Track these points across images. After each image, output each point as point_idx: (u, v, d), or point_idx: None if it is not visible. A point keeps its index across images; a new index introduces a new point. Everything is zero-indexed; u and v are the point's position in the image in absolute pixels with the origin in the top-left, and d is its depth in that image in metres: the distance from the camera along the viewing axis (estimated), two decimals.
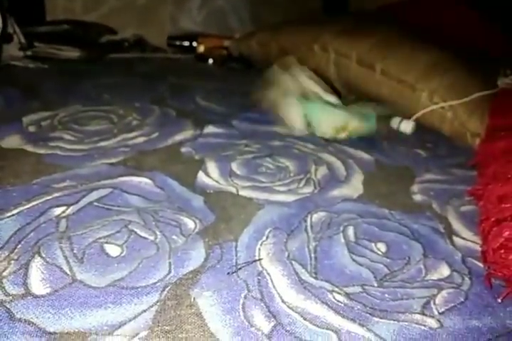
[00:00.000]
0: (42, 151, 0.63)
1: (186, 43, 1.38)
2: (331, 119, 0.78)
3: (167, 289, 0.39)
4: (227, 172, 0.62)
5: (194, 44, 1.37)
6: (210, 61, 1.30)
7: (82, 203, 0.51)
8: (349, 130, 0.77)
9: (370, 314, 0.38)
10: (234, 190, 0.57)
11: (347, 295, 0.40)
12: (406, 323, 0.38)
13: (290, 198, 0.57)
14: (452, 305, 0.41)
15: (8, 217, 0.46)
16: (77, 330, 0.34)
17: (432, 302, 0.41)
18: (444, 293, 0.42)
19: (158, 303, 0.37)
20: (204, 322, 0.36)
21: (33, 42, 1.16)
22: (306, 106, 0.78)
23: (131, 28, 1.37)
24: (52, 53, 1.19)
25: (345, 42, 0.98)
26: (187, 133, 0.73)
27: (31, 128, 0.71)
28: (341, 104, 0.82)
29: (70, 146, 0.66)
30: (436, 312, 0.39)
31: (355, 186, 0.61)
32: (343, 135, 0.76)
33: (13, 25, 1.11)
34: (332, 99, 0.82)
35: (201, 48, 1.35)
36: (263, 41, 1.17)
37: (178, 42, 1.39)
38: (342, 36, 0.99)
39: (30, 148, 0.64)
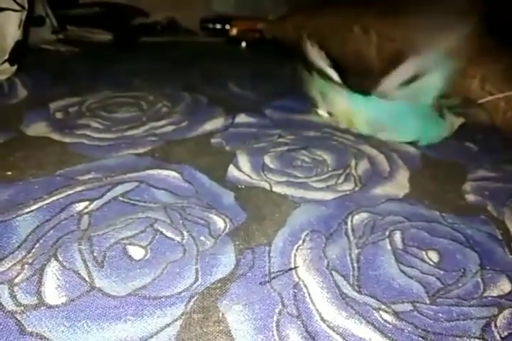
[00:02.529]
0: (68, 140, 0.60)
1: (219, 26, 1.34)
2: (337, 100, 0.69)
3: (193, 300, 0.35)
4: (260, 165, 0.57)
5: (227, 27, 1.32)
6: (243, 44, 1.26)
7: (106, 198, 0.47)
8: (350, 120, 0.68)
9: (422, 337, 0.34)
10: (267, 186, 0.53)
11: (396, 314, 0.36)
12: None
13: (328, 196, 0.52)
14: None
15: (27, 213, 0.43)
16: None
17: (492, 325, 0.35)
18: (506, 313, 0.37)
19: (183, 316, 0.34)
20: None
21: (65, 25, 1.14)
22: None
23: (164, 10, 1.33)
24: (84, 36, 1.17)
25: (389, 23, 0.91)
26: (218, 123, 0.69)
27: (58, 115, 0.69)
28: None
29: (96, 135, 0.63)
30: (498, 337, 0.34)
31: (400, 184, 0.56)
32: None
33: (45, 8, 1.08)
34: (335, 75, 0.71)
35: (234, 31, 1.30)
36: (298, 23, 1.11)
37: (210, 25, 1.35)
38: (385, 17, 0.92)
39: (55, 137, 0.61)
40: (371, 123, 0.67)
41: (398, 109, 0.66)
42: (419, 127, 0.67)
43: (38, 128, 0.63)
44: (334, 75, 0.71)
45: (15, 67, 0.82)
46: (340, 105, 0.69)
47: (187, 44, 1.25)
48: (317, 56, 0.76)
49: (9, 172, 0.51)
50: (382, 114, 0.67)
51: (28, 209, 0.44)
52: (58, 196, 0.47)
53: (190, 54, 1.13)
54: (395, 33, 0.89)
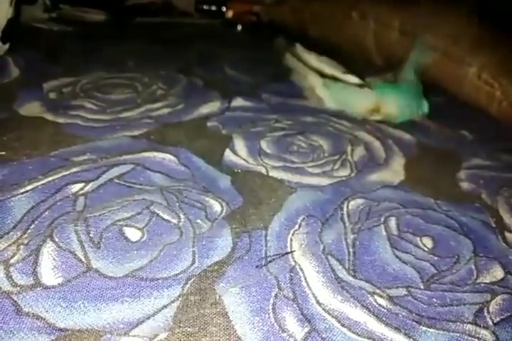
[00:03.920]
0: (62, 120, 0.59)
1: (214, 8, 1.32)
2: (361, 100, 0.70)
3: (190, 282, 0.36)
4: (257, 150, 0.57)
5: (223, 9, 1.30)
6: (239, 27, 1.24)
7: (102, 180, 0.47)
8: (383, 113, 0.69)
9: (416, 322, 0.34)
10: (263, 170, 0.53)
11: (390, 298, 0.36)
12: (457, 334, 0.33)
13: (324, 181, 0.52)
14: (509, 314, 0.36)
15: (22, 193, 0.43)
16: (90, 327, 0.31)
17: (485, 310, 0.36)
18: (498, 299, 0.37)
19: (180, 298, 0.34)
20: (230, 323, 0.32)
21: (58, 4, 1.12)
22: (333, 88, 0.72)
23: None
24: (78, 16, 1.15)
25: (387, 9, 0.90)
26: (214, 106, 0.68)
27: (52, 95, 0.68)
28: (367, 84, 0.72)
29: (91, 116, 0.62)
30: (490, 323, 0.35)
31: (395, 170, 0.56)
32: (377, 117, 0.69)
33: None
34: (354, 79, 0.73)
35: (230, 13, 1.28)
36: (296, 7, 1.09)
37: (206, 7, 1.33)
38: (384, 3, 0.91)
39: (49, 117, 0.60)
40: (403, 108, 0.69)
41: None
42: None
43: (31, 108, 0.62)
44: (353, 79, 0.72)
45: (7, 46, 0.80)
46: (367, 103, 0.69)
47: (182, 25, 1.23)
48: (328, 64, 0.75)
49: (2, 153, 0.50)
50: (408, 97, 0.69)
51: (22, 190, 0.43)
52: (54, 177, 0.46)
53: (185, 35, 1.12)
54: (393, 19, 0.88)
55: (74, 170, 0.48)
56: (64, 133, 0.56)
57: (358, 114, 0.69)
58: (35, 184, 0.44)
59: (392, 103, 0.68)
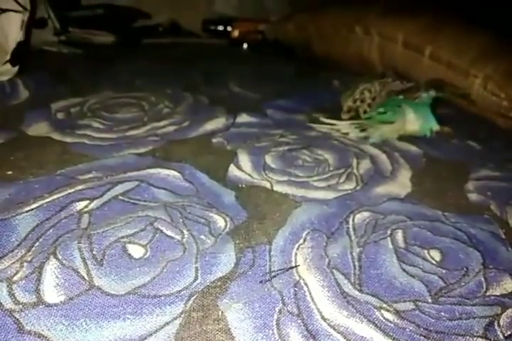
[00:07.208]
0: (68, 140, 0.60)
1: (221, 28, 1.34)
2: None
3: (193, 298, 0.35)
4: (261, 165, 0.57)
5: (229, 28, 1.32)
6: (245, 46, 1.26)
7: (106, 197, 0.47)
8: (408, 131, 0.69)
9: (424, 336, 0.33)
10: (268, 185, 0.53)
11: (397, 312, 0.35)
12: None
13: (330, 195, 0.52)
14: None
15: (27, 211, 0.43)
16: None
17: (495, 324, 0.35)
18: (509, 312, 0.36)
19: (182, 315, 0.34)
20: (233, 340, 0.32)
21: (67, 27, 1.15)
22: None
23: (166, 12, 1.33)
24: (87, 38, 1.17)
25: (391, 23, 0.91)
26: (219, 122, 0.69)
27: (60, 115, 0.69)
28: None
29: (98, 135, 0.63)
30: (501, 336, 0.34)
31: (402, 183, 0.55)
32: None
33: (47, 10, 1.09)
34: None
35: (236, 33, 1.30)
36: (300, 24, 1.11)
37: (212, 27, 1.35)
38: (387, 17, 0.92)
39: (56, 136, 0.61)
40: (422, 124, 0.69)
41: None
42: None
43: (39, 128, 0.63)
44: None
45: (16, 68, 0.82)
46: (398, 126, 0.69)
47: (189, 45, 1.25)
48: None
49: (10, 172, 0.51)
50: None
51: (28, 208, 0.44)
52: (59, 195, 0.46)
53: (191, 55, 1.14)
54: (397, 33, 0.88)
55: (79, 187, 0.48)
56: (71, 152, 0.57)
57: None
58: (41, 202, 0.45)
59: (414, 120, 0.68)
